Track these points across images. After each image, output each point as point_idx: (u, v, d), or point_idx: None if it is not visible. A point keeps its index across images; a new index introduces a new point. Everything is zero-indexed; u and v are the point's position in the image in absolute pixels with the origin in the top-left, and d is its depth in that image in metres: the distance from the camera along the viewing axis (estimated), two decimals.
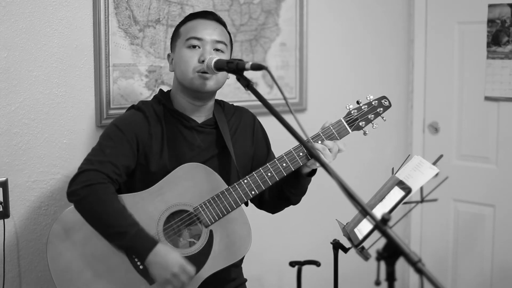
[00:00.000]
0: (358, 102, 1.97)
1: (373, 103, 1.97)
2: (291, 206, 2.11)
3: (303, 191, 2.04)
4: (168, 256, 1.76)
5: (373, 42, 3.35)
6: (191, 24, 1.95)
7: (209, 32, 1.92)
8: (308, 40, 2.96)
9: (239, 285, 2.05)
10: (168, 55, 2.03)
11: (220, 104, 2.07)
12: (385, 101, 1.98)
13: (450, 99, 3.39)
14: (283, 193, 2.02)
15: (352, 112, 1.95)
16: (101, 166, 1.80)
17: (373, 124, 1.96)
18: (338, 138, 1.92)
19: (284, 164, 1.88)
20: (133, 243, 1.75)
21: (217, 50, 1.92)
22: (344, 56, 3.21)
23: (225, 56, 1.94)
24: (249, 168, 2.05)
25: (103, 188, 1.77)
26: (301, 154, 1.89)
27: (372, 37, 3.34)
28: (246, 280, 2.09)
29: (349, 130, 1.94)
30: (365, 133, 1.96)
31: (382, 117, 1.98)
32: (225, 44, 1.95)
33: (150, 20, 2.38)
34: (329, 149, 1.88)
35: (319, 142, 1.91)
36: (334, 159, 1.89)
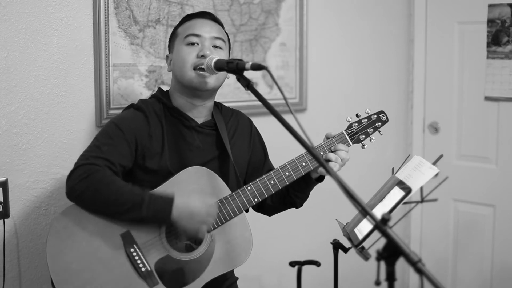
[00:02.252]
0: (357, 115, 2.01)
1: (372, 117, 2.02)
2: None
3: (307, 195, 2.07)
4: (190, 207, 1.75)
5: (373, 42, 3.35)
6: (188, 23, 1.96)
7: (207, 29, 1.92)
8: (308, 40, 2.96)
9: (231, 284, 2.06)
10: (167, 57, 2.03)
11: (218, 106, 2.07)
12: (383, 116, 2.04)
13: (450, 99, 3.40)
14: (289, 196, 2.04)
15: (353, 125, 2.00)
16: (96, 161, 1.77)
17: (371, 138, 2.02)
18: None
19: (287, 173, 1.90)
20: (152, 210, 1.73)
21: (215, 47, 1.92)
22: (344, 56, 3.21)
23: (223, 53, 1.94)
24: (245, 172, 2.06)
25: (99, 174, 1.74)
26: (303, 164, 1.91)
27: (372, 37, 3.34)
28: (237, 278, 2.10)
29: (350, 143, 1.99)
30: (363, 146, 2.02)
31: (379, 132, 2.04)
32: (224, 41, 1.95)
33: (150, 20, 2.38)
34: (341, 159, 1.92)
35: (322, 153, 1.94)
36: (343, 165, 1.94)
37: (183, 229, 1.77)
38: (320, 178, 2.00)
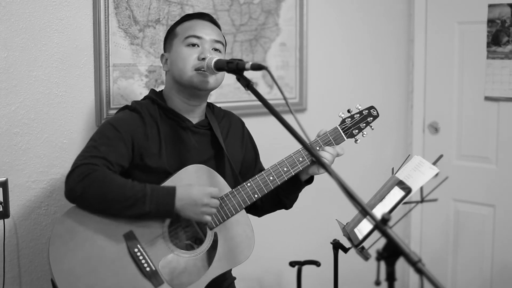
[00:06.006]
0: (349, 111, 2.05)
1: (363, 112, 2.05)
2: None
3: (297, 197, 2.09)
4: (191, 193, 1.76)
5: (373, 42, 3.35)
6: (188, 23, 1.96)
7: (207, 32, 1.93)
8: (308, 40, 2.96)
9: (230, 284, 2.07)
10: (162, 55, 2.02)
11: (210, 106, 2.08)
12: (374, 110, 2.06)
13: (450, 99, 3.39)
14: (279, 198, 2.06)
15: (346, 120, 2.02)
16: (94, 160, 1.76)
17: (363, 133, 2.04)
18: (334, 144, 2.00)
19: (285, 169, 1.92)
20: (155, 203, 1.73)
21: (215, 49, 1.93)
22: (344, 56, 3.21)
23: (221, 57, 1.95)
24: (239, 172, 2.07)
25: (98, 172, 1.73)
26: (300, 159, 1.94)
27: (372, 37, 3.34)
28: (235, 278, 2.11)
29: (345, 138, 2.01)
30: (356, 141, 2.05)
31: (371, 126, 2.06)
32: (222, 44, 1.97)
33: (150, 20, 2.38)
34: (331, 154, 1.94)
35: (318, 148, 1.97)
36: (332, 164, 1.96)
37: (187, 217, 1.78)
38: (309, 180, 2.03)
